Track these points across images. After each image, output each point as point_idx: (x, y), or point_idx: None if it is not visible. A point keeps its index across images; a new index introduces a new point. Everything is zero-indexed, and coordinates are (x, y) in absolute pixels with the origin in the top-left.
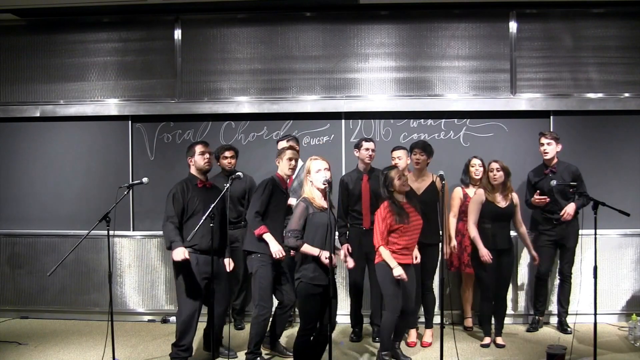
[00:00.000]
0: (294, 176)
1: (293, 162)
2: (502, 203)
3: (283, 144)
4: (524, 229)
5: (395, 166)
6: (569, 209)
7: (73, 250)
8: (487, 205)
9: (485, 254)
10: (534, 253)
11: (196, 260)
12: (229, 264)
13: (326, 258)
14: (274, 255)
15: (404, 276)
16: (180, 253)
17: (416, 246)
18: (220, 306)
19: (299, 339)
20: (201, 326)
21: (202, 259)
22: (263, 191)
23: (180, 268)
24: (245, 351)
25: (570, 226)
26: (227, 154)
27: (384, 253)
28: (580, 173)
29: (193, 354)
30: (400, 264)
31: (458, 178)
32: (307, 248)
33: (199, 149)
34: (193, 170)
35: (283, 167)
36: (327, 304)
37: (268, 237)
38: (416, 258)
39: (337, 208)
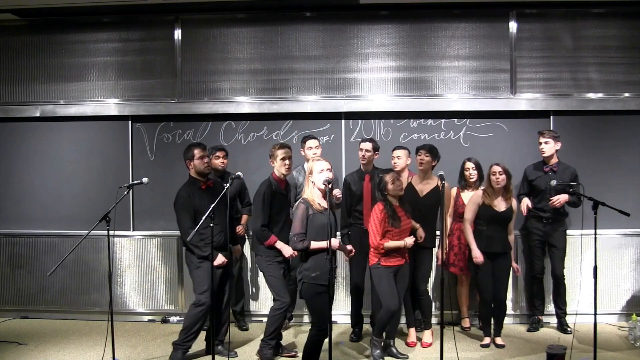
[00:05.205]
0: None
1: (287, 162)
2: (501, 206)
3: (313, 142)
4: (512, 237)
5: (391, 169)
6: (562, 197)
7: (73, 250)
8: (483, 208)
9: (477, 255)
10: (514, 265)
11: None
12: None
13: (335, 246)
14: (287, 257)
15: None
16: (219, 260)
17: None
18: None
19: (313, 339)
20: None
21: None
22: (262, 202)
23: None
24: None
25: (556, 226)
26: (220, 154)
27: (390, 244)
28: (577, 175)
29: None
30: (390, 266)
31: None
32: (315, 244)
33: (197, 153)
34: (193, 173)
35: (279, 168)
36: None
37: (279, 244)
38: (421, 238)
39: (341, 207)
